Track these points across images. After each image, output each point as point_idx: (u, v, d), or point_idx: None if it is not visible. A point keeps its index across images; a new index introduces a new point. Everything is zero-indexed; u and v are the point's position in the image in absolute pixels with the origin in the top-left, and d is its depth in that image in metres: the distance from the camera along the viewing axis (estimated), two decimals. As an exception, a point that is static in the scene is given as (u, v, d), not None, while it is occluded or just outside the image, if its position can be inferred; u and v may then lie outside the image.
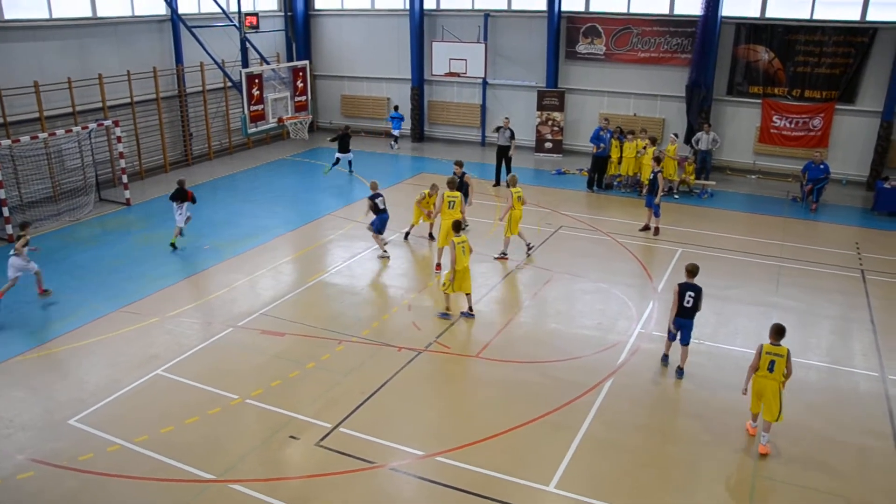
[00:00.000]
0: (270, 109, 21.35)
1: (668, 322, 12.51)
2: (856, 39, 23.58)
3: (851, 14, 23.73)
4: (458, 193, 17.00)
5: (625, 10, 26.78)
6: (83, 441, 10.58)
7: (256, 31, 24.26)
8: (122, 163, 21.84)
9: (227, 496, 9.52)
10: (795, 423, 11.14)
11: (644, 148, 22.83)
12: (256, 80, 20.73)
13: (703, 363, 12.91)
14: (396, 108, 30.05)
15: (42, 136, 19.69)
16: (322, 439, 10.66)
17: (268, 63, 25.75)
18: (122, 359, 12.94)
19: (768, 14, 24.83)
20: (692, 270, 12.31)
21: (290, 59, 30.30)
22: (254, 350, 13.31)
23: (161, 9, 25.26)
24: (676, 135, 24.37)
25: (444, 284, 14.67)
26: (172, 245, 18.22)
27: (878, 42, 23.34)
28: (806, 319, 14.82)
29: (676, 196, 23.07)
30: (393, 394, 11.97)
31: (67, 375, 12.47)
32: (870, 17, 23.48)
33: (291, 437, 10.72)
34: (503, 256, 17.66)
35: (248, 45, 23.46)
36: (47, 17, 21.66)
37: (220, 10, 25.31)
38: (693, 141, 24.45)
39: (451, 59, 28.37)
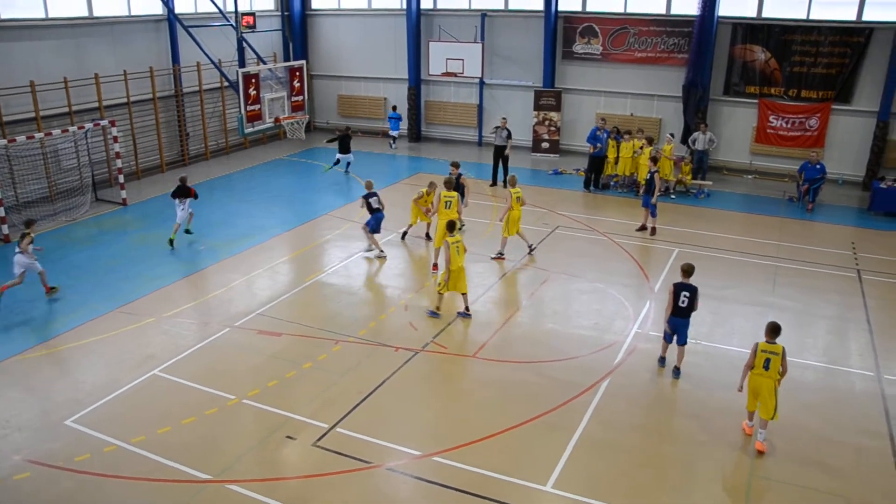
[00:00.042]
0: (267, 109, 21.37)
1: (664, 322, 12.54)
2: (852, 39, 23.63)
3: (847, 14, 23.78)
4: (454, 193, 17.02)
5: (621, 10, 26.80)
6: (80, 441, 10.56)
7: (253, 31, 24.28)
8: (119, 163, 21.81)
9: (224, 496, 9.52)
10: (792, 422, 11.17)
11: (641, 148, 22.85)
12: (253, 80, 20.74)
13: (699, 363, 12.93)
14: (394, 108, 30.03)
15: (38, 135, 19.64)
16: (319, 439, 10.65)
17: (264, 63, 25.78)
18: (119, 359, 12.93)
19: (765, 14, 24.87)
20: (687, 270, 12.33)
21: (286, 58, 30.25)
22: (250, 350, 13.31)
23: (157, 8, 25.22)
24: (672, 135, 24.42)
25: (438, 284, 14.68)
26: (171, 242, 18.27)
27: (874, 42, 23.39)
28: (802, 319, 14.85)
29: (673, 196, 23.11)
30: (390, 394, 11.97)
31: (64, 375, 12.45)
32: (866, 17, 23.54)
33: (288, 437, 10.72)
34: (500, 256, 17.67)
35: (244, 44, 23.48)
36: (43, 16, 21.61)
37: (216, 10, 25.29)
38: (690, 141, 24.49)
39: (447, 58, 28.36)
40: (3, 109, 20.10)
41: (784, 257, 18.04)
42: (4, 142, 18.86)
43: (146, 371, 12.49)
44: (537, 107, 28.17)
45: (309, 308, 15.18)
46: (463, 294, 14.69)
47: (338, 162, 25.13)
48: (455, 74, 28.54)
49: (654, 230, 19.50)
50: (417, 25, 29.34)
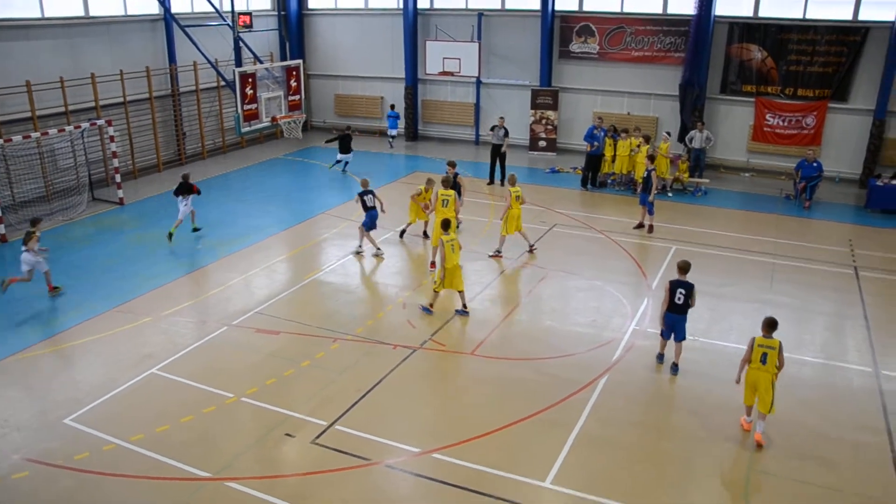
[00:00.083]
0: (264, 109, 21.36)
1: (661, 317, 12.57)
2: (848, 38, 23.69)
3: (844, 13, 23.83)
4: (451, 192, 17.04)
5: (618, 10, 26.83)
6: (78, 440, 10.55)
7: (250, 31, 24.23)
8: (116, 162, 21.78)
9: (223, 494, 9.51)
10: (790, 418, 11.19)
11: (638, 146, 22.88)
12: (250, 80, 20.72)
13: (697, 360, 12.95)
14: (392, 106, 30.02)
15: (34, 135, 19.62)
16: (318, 437, 10.65)
17: (261, 62, 25.73)
18: (117, 358, 12.91)
19: (761, 13, 24.92)
20: (684, 267, 12.35)
21: (283, 58, 30.24)
22: (248, 349, 13.30)
23: (154, 8, 25.21)
24: (669, 133, 24.45)
25: (434, 282, 14.69)
26: (170, 235, 18.37)
27: (870, 41, 23.45)
28: (800, 316, 14.87)
29: (670, 194, 23.13)
30: (388, 391, 11.97)
31: (62, 374, 12.44)
32: (862, 16, 23.58)
33: (287, 434, 10.71)
34: (497, 254, 17.68)
35: (241, 44, 23.47)
36: (39, 16, 21.56)
37: (213, 10, 25.25)
38: (687, 139, 24.53)
39: (444, 58, 28.36)
40: (0, 109, 20.04)
41: (781, 254, 18.08)
42: (0, 141, 18.82)
43: (144, 370, 12.48)
44: (534, 106, 28.19)
45: (307, 306, 15.18)
46: (460, 291, 14.70)
47: (346, 165, 25.23)
48: (452, 74, 28.54)
49: (651, 228, 19.52)
50: (414, 25, 29.33)
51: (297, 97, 22.84)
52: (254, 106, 20.96)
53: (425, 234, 18.91)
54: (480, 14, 28.41)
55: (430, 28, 29.34)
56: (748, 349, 10.60)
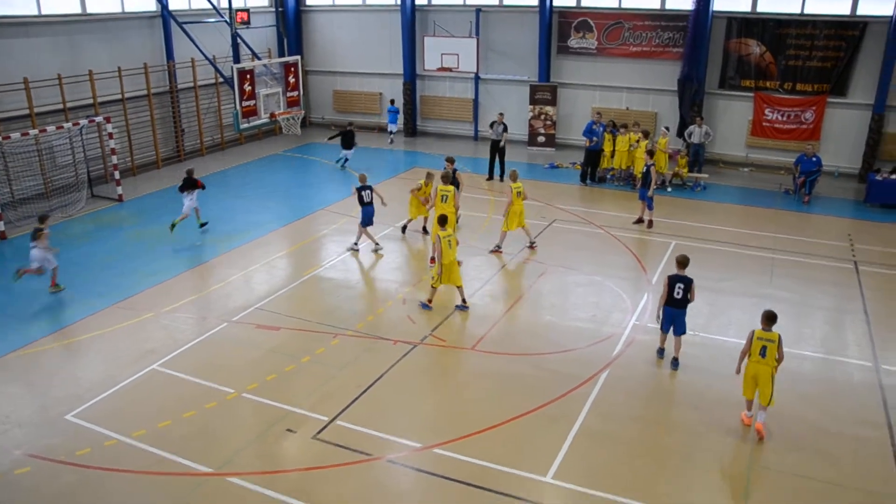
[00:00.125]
0: (262, 105, 21.34)
1: (657, 310, 12.62)
2: (846, 33, 23.69)
3: (842, 8, 23.85)
4: (451, 188, 17.04)
5: (616, 5, 26.84)
6: (80, 436, 10.55)
7: (247, 27, 24.20)
8: (114, 159, 21.75)
9: (224, 489, 9.52)
10: (790, 413, 11.21)
11: (637, 141, 22.87)
12: (248, 76, 20.70)
13: (697, 354, 12.96)
14: (392, 101, 29.99)
15: (33, 132, 19.59)
16: (319, 432, 10.66)
17: (259, 59, 25.68)
18: (118, 354, 12.91)
19: (759, 8, 24.92)
20: (682, 262, 12.38)
21: (281, 54, 30.17)
22: (249, 344, 13.30)
23: (151, 5, 25.16)
24: (668, 128, 24.44)
25: (432, 277, 14.70)
26: (172, 226, 18.40)
27: (868, 35, 23.45)
28: (800, 310, 14.89)
29: (669, 189, 23.12)
30: (389, 387, 11.98)
31: (63, 371, 12.43)
32: (860, 11, 23.60)
33: (288, 430, 10.72)
34: (497, 250, 17.68)
35: (239, 40, 23.41)
36: (36, 13, 21.52)
37: (210, 6, 25.21)
38: (686, 134, 24.54)
39: (442, 54, 28.34)
40: (-2, 106, 20.07)
41: (781, 249, 18.09)
42: (-1, 138, 18.83)
43: (145, 366, 12.49)
44: (533, 101, 28.17)
45: (307, 302, 15.18)
46: (458, 287, 14.71)
47: (345, 160, 25.38)
48: (450, 69, 28.52)
49: (650, 223, 19.53)
50: (412, 21, 29.30)
51: (295, 93, 22.83)
52: (252, 102, 20.94)
53: (424, 230, 18.91)
54: (478, 10, 28.38)
55: (428, 24, 29.30)
56: (747, 342, 10.64)
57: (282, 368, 12.40)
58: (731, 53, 25.42)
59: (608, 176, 24.30)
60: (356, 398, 11.55)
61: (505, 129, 23.71)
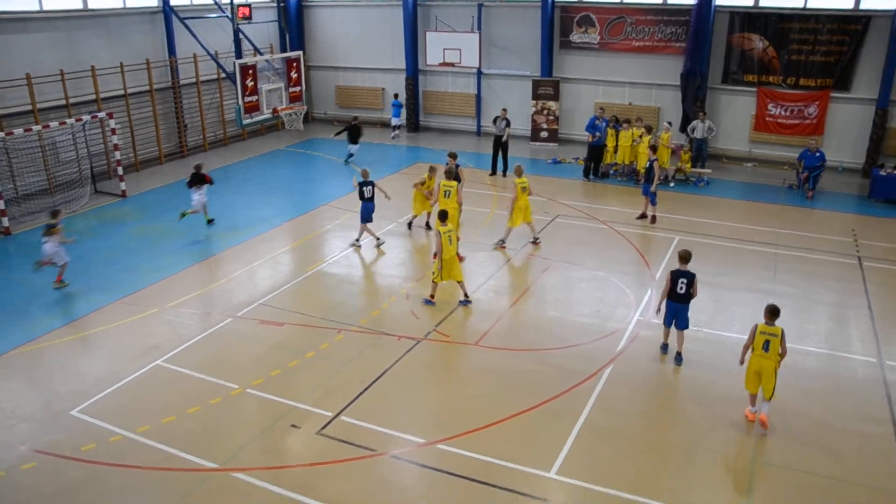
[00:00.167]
0: (265, 100, 21.35)
1: (658, 304, 12.67)
2: (850, 27, 23.61)
3: (845, 2, 23.75)
4: (454, 183, 17.03)
5: (618, 0, 26.75)
6: (85, 431, 10.58)
7: (249, 22, 24.17)
8: (117, 155, 21.76)
9: (229, 485, 9.55)
10: (794, 409, 11.22)
11: (640, 136, 22.85)
12: (250, 72, 20.70)
13: (701, 350, 12.96)
14: (396, 96, 29.96)
15: (36, 128, 19.59)
16: (323, 428, 10.67)
17: (261, 54, 25.71)
18: (122, 350, 12.93)
19: (762, 2, 24.83)
20: (685, 257, 12.37)
21: (283, 49, 30.19)
22: (253, 340, 13.32)
23: (153, 0, 25.11)
24: (670, 123, 24.40)
25: (433, 273, 14.70)
26: (183, 215, 18.58)
27: (872, 30, 23.38)
28: (803, 306, 14.88)
29: (671, 184, 23.09)
30: (393, 382, 11.99)
31: (68, 366, 12.45)
32: (863, 5, 23.50)
33: (293, 425, 10.74)
34: (501, 245, 17.68)
35: (241, 36, 23.40)
36: (38, 9, 21.49)
37: (212, 1, 25.18)
38: (689, 129, 24.49)
39: (445, 49, 28.27)
40: (0, 102, 20.02)
41: (784, 244, 18.07)
42: (2, 134, 18.79)
43: (149, 361, 12.51)
44: (535, 96, 28.13)
45: (311, 298, 15.19)
46: (459, 282, 14.71)
47: (351, 154, 25.48)
48: (452, 64, 28.46)
49: (654, 218, 19.52)
50: (414, 15, 29.25)
51: (297, 88, 22.81)
52: (255, 98, 20.94)
53: (428, 226, 18.91)
54: (480, 5, 28.31)
55: (430, 19, 29.26)
56: (750, 336, 10.68)
57: (286, 364, 12.41)
58: (733, 48, 25.35)
59: (611, 171, 24.26)
60: (360, 394, 11.57)
61: (508, 125, 23.70)
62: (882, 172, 21.82)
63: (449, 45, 28.21)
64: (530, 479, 9.67)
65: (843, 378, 12.33)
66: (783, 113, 25.11)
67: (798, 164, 22.72)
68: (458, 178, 17.88)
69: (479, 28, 28.37)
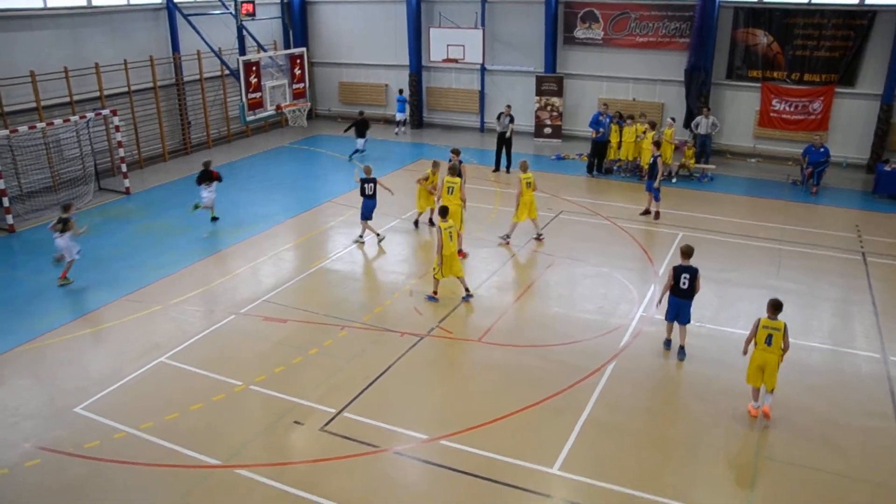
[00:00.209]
0: (268, 97, 21.32)
1: (659, 297, 12.70)
2: (855, 22, 23.53)
3: (850, -3, 23.72)
4: (457, 179, 17.00)
5: (623, -5, 26.73)
6: (89, 429, 10.61)
7: (253, 19, 24.16)
8: (121, 152, 21.79)
9: (232, 481, 9.57)
10: (798, 404, 11.21)
11: (643, 132, 22.81)
12: (254, 68, 20.69)
13: (704, 346, 12.95)
14: (401, 91, 29.94)
15: (40, 125, 19.62)
16: (326, 424, 10.69)
17: (265, 50, 25.70)
18: (126, 347, 12.97)
19: (767, -3, 24.80)
20: (687, 252, 12.36)
21: (287, 46, 30.19)
22: (256, 337, 13.34)
23: (157, -3, 25.17)
24: (674, 119, 24.38)
25: (434, 269, 14.70)
26: (195, 207, 18.84)
27: (877, 24, 23.28)
28: (807, 302, 14.85)
29: (674, 180, 23.01)
30: (396, 379, 12.00)
31: (71, 364, 12.48)
32: (869, 0, 23.40)
33: (296, 422, 10.76)
34: (506, 241, 17.67)
35: (244, 32, 23.40)
36: (42, 6, 21.53)
37: (216, -2, 25.20)
38: (693, 125, 24.44)
39: (448, 45, 28.27)
40: (5, 100, 20.06)
41: (788, 240, 18.04)
42: (6, 132, 18.85)
43: (153, 358, 12.54)
44: (539, 92, 28.08)
45: (314, 294, 15.21)
46: (459, 277, 14.71)
47: (361, 150, 25.60)
48: (456, 61, 28.45)
49: (657, 214, 19.49)
50: (417, 12, 29.23)
51: (301, 85, 22.80)
52: (258, 94, 20.93)
53: (431, 222, 18.90)
54: (484, 0, 28.27)
55: (434, 15, 29.22)
56: (753, 329, 10.72)
57: (289, 360, 12.43)
58: (738, 43, 25.28)
59: (615, 167, 24.22)
60: (363, 390, 11.58)
61: (511, 121, 23.67)
62: (887, 168, 21.75)
63: (452, 42, 28.22)
64: (533, 474, 9.68)
65: (847, 374, 12.31)
66: (787, 108, 25.03)
67: (802, 160, 22.65)
68: (460, 175, 17.88)
69: (483, 24, 28.34)
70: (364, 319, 13.95)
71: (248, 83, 20.41)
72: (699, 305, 12.82)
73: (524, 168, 17.62)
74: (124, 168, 21.84)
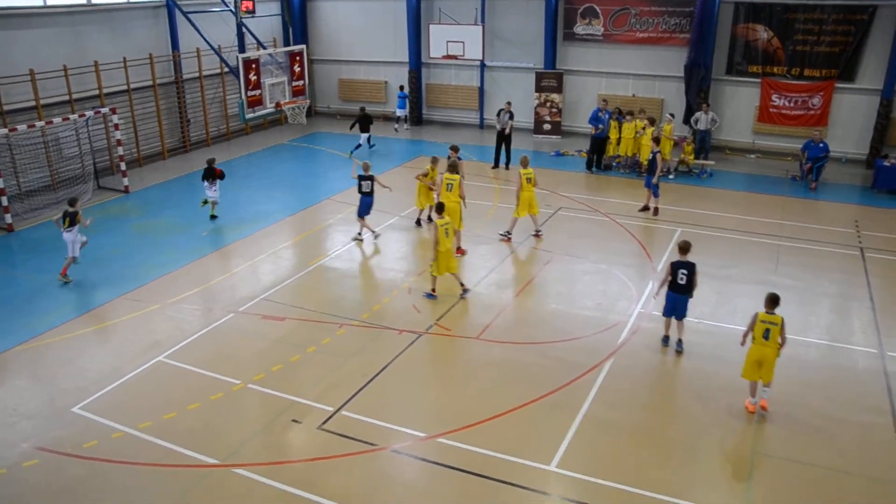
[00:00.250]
0: (268, 94, 21.29)
1: (656, 290, 12.72)
2: (855, 17, 23.48)
3: (850, -9, 23.65)
4: (456, 176, 16.99)
5: (622, -10, 26.68)
6: (87, 428, 10.63)
7: (253, 16, 24.11)
8: (120, 150, 21.79)
9: (230, 480, 9.59)
10: (795, 400, 11.22)
11: (643, 128, 22.79)
12: (253, 66, 20.65)
13: (702, 342, 12.95)
14: (402, 87, 29.94)
15: (39, 124, 19.62)
16: (324, 423, 10.71)
17: (264, 48, 25.67)
18: (124, 346, 12.99)
19: (767, -8, 24.75)
20: (684, 247, 12.39)
21: (286, 43, 30.18)
22: (255, 335, 13.35)
23: (156, -5, 25.15)
24: (672, 115, 24.35)
25: (431, 266, 14.71)
26: (204, 202, 19.17)
27: (877, 20, 23.24)
28: (805, 297, 14.85)
29: (671, 176, 22.93)
30: (394, 376, 12.02)
31: (70, 363, 12.49)
32: (869, -6, 23.40)
33: (294, 420, 10.78)
34: (507, 237, 17.68)
35: (244, 30, 23.38)
36: (41, 4, 21.52)
37: (215, -4, 25.18)
38: (692, 121, 24.43)
39: (448, 41, 28.22)
40: (4, 98, 20.07)
41: (787, 236, 18.02)
42: (5, 131, 18.85)
43: (152, 357, 12.55)
44: (539, 88, 28.06)
45: (312, 292, 15.22)
46: (454, 274, 14.73)
47: (370, 141, 25.94)
48: (456, 57, 28.41)
49: (656, 210, 19.48)
50: (417, 8, 29.20)
51: (300, 82, 22.77)
52: (258, 92, 20.91)
53: (430, 219, 18.88)
54: (484, -3, 28.28)
55: (434, 11, 29.19)
56: (751, 323, 10.76)
57: (288, 359, 12.45)
58: (738, 39, 25.24)
59: (614, 163, 24.21)
60: (361, 388, 11.60)
61: (511, 118, 23.65)
62: (886, 163, 21.72)
63: (452, 38, 28.17)
64: (531, 472, 9.70)
65: (845, 369, 12.31)
66: (787, 104, 25.00)
67: (801, 156, 22.64)
68: (459, 171, 17.88)
69: (483, 20, 28.31)
70: (362, 317, 13.97)
71: (247, 81, 20.39)
72: (698, 302, 12.83)
73: (524, 164, 17.61)
74: (123, 166, 21.84)
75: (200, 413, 10.99)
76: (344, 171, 23.84)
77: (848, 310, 14.48)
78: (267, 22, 29.27)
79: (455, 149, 18.85)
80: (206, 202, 19.08)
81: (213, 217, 19.15)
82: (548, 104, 28.15)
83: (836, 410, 11.09)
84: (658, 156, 19.15)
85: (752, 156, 25.65)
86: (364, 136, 25.71)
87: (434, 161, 18.23)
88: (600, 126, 23.38)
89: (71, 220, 15.33)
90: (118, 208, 20.41)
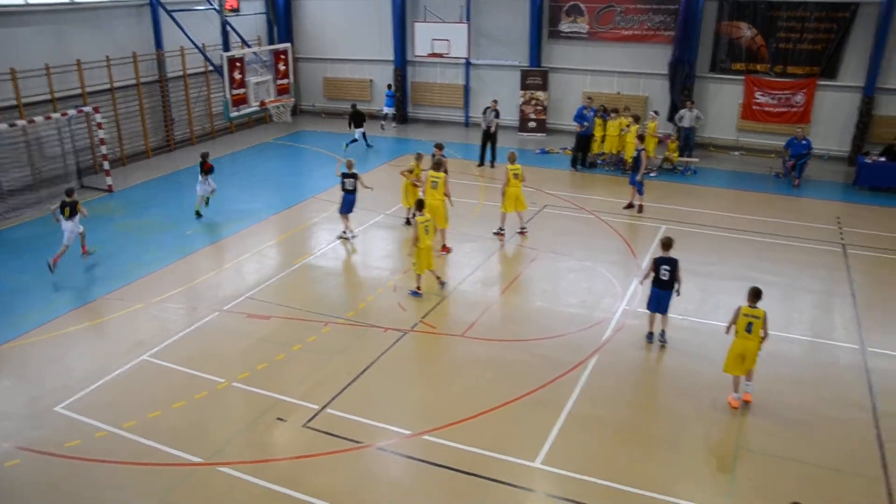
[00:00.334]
0: (253, 93, 21.21)
1: (641, 280, 12.86)
2: (837, 15, 23.65)
3: (833, -11, 23.81)
4: (441, 174, 16.97)
5: (607, -12, 26.74)
6: (70, 428, 10.57)
7: (237, 14, 23.99)
8: (104, 149, 21.67)
9: (214, 479, 9.56)
10: (777, 396, 11.30)
11: (627, 126, 22.87)
12: (238, 64, 20.57)
13: (687, 338, 13.03)
14: (390, 86, 29.88)
15: (20, 123, 19.47)
16: (309, 421, 10.70)
17: (249, 46, 25.50)
18: (109, 345, 12.93)
19: (750, -10, 24.86)
20: (667, 244, 12.49)
21: (271, 41, 30.08)
22: (239, 334, 13.31)
23: (139, -7, 24.99)
24: (657, 112, 24.42)
25: (413, 264, 14.71)
26: (207, 201, 19.34)
27: (859, 17, 23.42)
28: (788, 294, 14.96)
29: (653, 174, 22.96)
30: (379, 374, 12.02)
31: (53, 362, 12.42)
32: (851, -8, 23.56)
33: (279, 419, 10.76)
34: (500, 233, 17.70)
35: (228, 28, 23.27)
36: (23, 2, 21.34)
37: (199, -7, 25.04)
38: (676, 118, 24.52)
39: (433, 39, 28.17)
40: (-15, 97, 19.94)
41: (770, 233, 18.15)
42: (-13, 129, 18.72)
43: (136, 356, 12.49)
44: (524, 86, 28.12)
45: (297, 291, 15.19)
46: (431, 270, 14.80)
47: (366, 138, 26.17)
48: (441, 55, 28.39)
49: (641, 208, 19.56)
50: (402, 6, 29.15)
51: (285, 81, 22.69)
52: (242, 90, 20.82)
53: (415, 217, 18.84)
54: (469, -6, 28.28)
55: (419, 9, 29.16)
56: (734, 316, 10.88)
57: (272, 357, 12.42)
58: (722, 36, 25.37)
59: (599, 161, 24.28)
60: (346, 386, 11.59)
61: (497, 116, 23.68)
62: (867, 160, 21.92)
63: (437, 36, 28.11)
64: (515, 468, 9.73)
65: (826, 365, 12.43)
66: (770, 101, 25.15)
67: (785, 153, 22.80)
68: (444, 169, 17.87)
69: (469, 18, 28.32)
70: (347, 315, 13.96)
71: (232, 79, 20.30)
72: (682, 298, 12.89)
73: (512, 159, 17.63)
74: (107, 165, 21.72)
75: (185, 412, 10.95)
76: (328, 169, 23.81)
77: (830, 306, 14.60)
78: (251, 20, 29.16)
79: (440, 146, 18.83)
80: (207, 201, 19.13)
81: (198, 215, 19.06)
82: (533, 102, 28.20)
83: (817, 406, 11.19)
84: (642, 153, 19.23)
85: (736, 153, 25.81)
86: (358, 131, 25.86)
87: (418, 157, 18.20)
88: (585, 124, 23.45)
89: (71, 209, 15.59)
90: (102, 207, 20.26)
